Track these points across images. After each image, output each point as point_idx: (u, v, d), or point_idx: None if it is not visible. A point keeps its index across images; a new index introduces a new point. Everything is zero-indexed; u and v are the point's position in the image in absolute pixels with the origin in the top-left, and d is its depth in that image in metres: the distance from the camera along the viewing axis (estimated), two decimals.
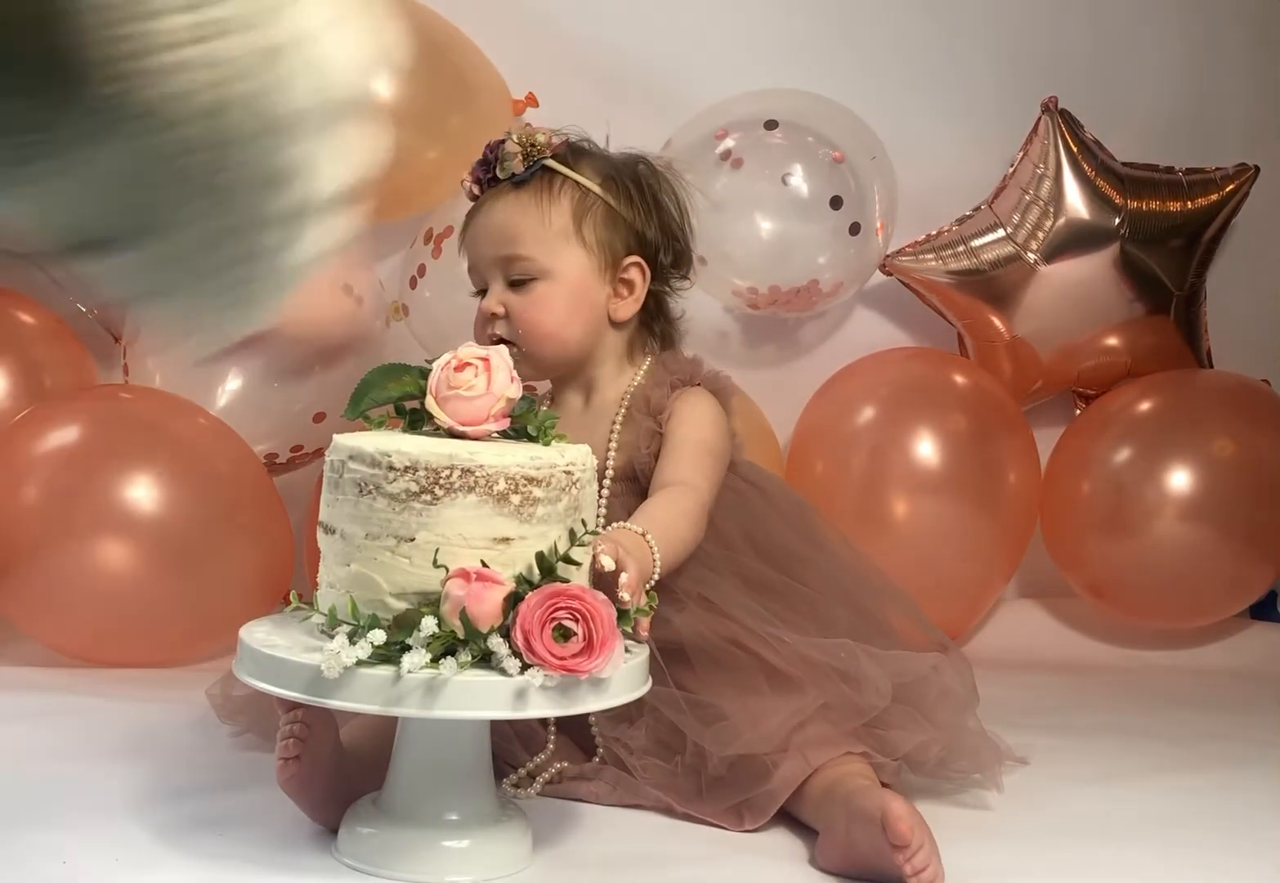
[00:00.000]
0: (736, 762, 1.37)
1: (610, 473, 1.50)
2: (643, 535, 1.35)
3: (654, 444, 1.50)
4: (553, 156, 1.53)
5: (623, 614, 1.20)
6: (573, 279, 1.53)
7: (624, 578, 1.21)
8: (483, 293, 1.55)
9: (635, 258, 1.56)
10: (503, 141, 1.53)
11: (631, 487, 1.50)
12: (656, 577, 1.34)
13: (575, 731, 1.47)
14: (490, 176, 1.54)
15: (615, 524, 1.36)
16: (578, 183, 1.53)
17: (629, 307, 1.57)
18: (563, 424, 1.53)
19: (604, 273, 1.55)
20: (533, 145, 1.52)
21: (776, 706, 1.39)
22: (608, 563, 1.21)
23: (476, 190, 1.56)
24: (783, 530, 1.56)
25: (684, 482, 1.45)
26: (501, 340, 1.51)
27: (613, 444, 1.52)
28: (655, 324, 1.61)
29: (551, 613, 1.14)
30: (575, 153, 1.55)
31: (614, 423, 1.53)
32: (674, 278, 1.61)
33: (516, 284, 1.52)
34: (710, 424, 1.52)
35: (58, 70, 0.88)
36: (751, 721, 1.37)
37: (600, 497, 1.49)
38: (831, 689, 1.41)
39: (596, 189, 1.54)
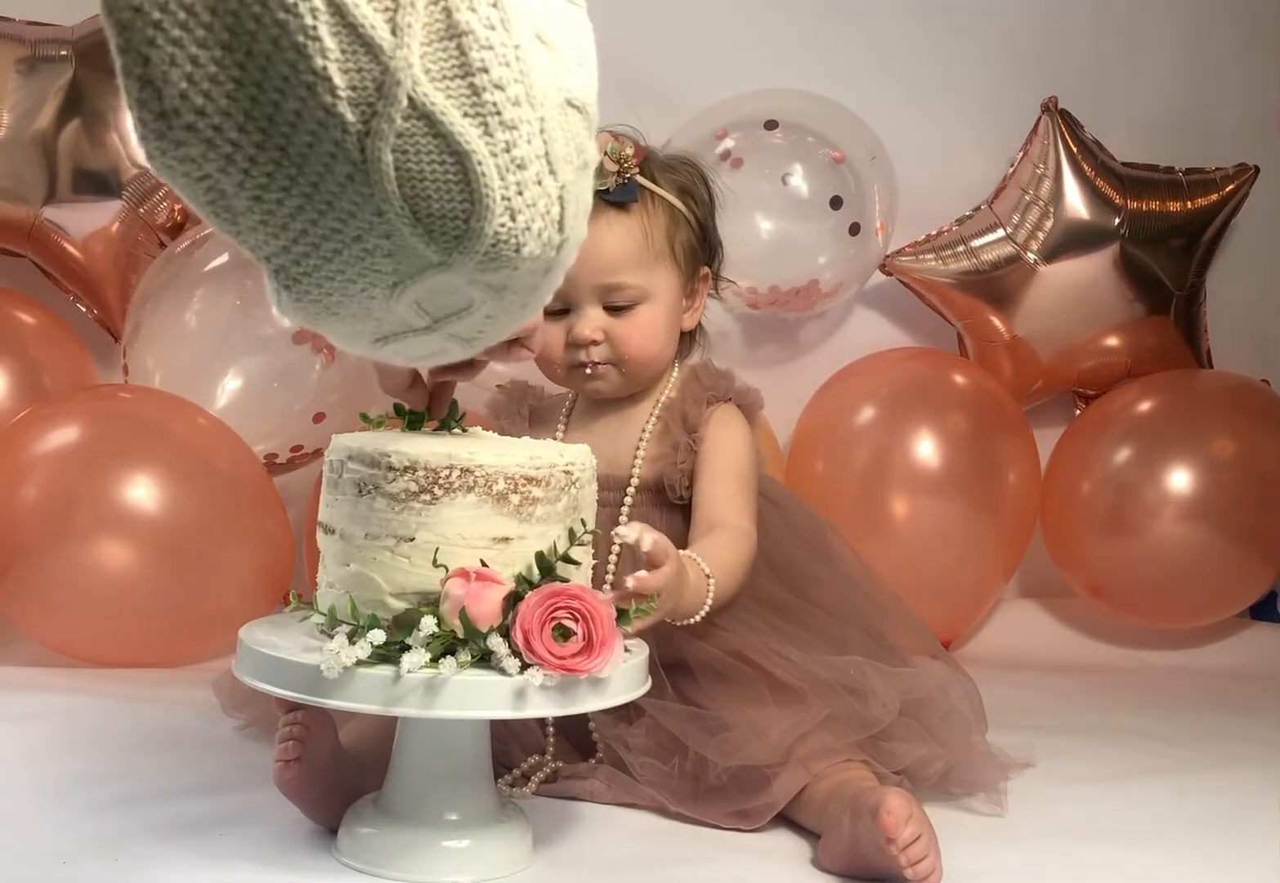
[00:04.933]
0: (737, 772, 1.36)
1: (635, 482, 1.49)
2: (707, 576, 1.35)
3: (687, 461, 1.48)
4: (639, 171, 1.47)
5: (622, 614, 1.20)
6: (669, 298, 1.51)
7: (635, 580, 1.21)
8: (555, 313, 1.48)
9: (705, 269, 1.55)
10: None
11: (656, 498, 1.49)
12: (698, 617, 1.35)
13: (574, 733, 1.47)
14: None
15: (687, 553, 1.35)
16: (664, 197, 1.49)
17: (695, 317, 1.57)
18: (584, 429, 1.53)
19: (685, 286, 1.54)
20: (623, 161, 1.45)
21: (780, 716, 1.38)
22: (640, 538, 1.22)
23: None
24: (798, 549, 1.55)
25: (738, 526, 1.44)
26: (597, 364, 1.49)
27: (640, 454, 1.51)
28: (692, 331, 1.60)
29: (551, 613, 1.14)
30: (650, 162, 1.50)
31: (643, 433, 1.52)
32: (720, 280, 1.60)
33: (615, 308, 1.49)
34: (746, 453, 1.51)
35: None
36: (755, 731, 1.36)
37: (623, 505, 1.49)
38: (837, 702, 1.40)
39: (680, 205, 1.51)
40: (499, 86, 0.85)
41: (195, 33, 0.80)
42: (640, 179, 1.48)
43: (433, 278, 0.91)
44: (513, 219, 0.89)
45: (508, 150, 0.87)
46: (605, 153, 1.45)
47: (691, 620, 1.35)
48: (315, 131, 0.83)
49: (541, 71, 0.88)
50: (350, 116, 0.83)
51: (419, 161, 0.85)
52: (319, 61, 0.81)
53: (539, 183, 0.89)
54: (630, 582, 1.21)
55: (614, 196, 1.46)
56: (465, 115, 0.85)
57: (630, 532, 1.23)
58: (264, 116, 0.82)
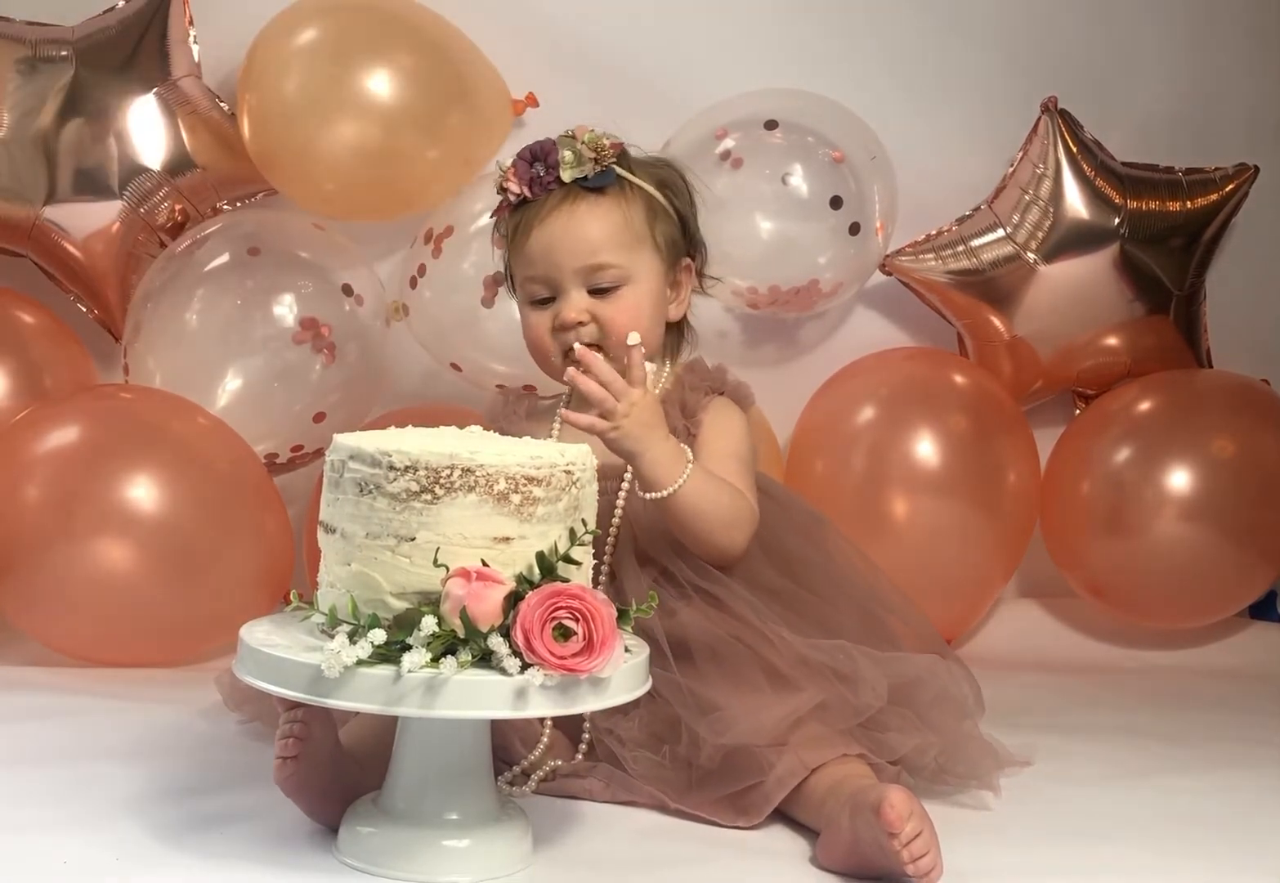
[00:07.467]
0: (730, 754, 1.37)
1: (631, 471, 1.50)
2: (688, 461, 1.41)
3: (686, 445, 1.50)
4: (617, 162, 1.52)
5: (623, 614, 1.20)
6: (653, 283, 1.55)
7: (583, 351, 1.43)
8: (544, 301, 1.53)
9: (687, 260, 1.59)
10: (553, 143, 1.50)
11: None
12: (667, 493, 1.41)
13: (569, 724, 1.47)
14: (553, 179, 1.50)
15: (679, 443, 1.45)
16: (642, 187, 1.53)
17: (680, 308, 1.60)
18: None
19: (667, 275, 1.57)
20: (600, 150, 1.50)
21: (774, 702, 1.39)
22: (633, 338, 1.41)
23: (528, 192, 1.51)
24: (794, 539, 1.57)
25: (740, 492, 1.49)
26: (587, 346, 1.50)
27: None
28: (680, 326, 1.62)
29: (552, 612, 1.14)
30: (627, 158, 1.55)
31: None
32: (705, 277, 1.63)
33: (600, 291, 1.52)
34: (744, 439, 1.55)
35: None
36: (748, 713, 1.37)
37: (620, 493, 1.50)
38: (829, 689, 1.41)
39: (659, 196, 1.55)
40: None
41: None
42: (617, 169, 1.52)
43: None
44: None
45: None
46: (583, 142, 1.50)
47: (653, 495, 1.42)
48: None
49: None
50: None
51: None
52: None
53: None
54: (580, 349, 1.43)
55: (591, 182, 1.51)
56: None
57: (634, 337, 1.41)
58: None
